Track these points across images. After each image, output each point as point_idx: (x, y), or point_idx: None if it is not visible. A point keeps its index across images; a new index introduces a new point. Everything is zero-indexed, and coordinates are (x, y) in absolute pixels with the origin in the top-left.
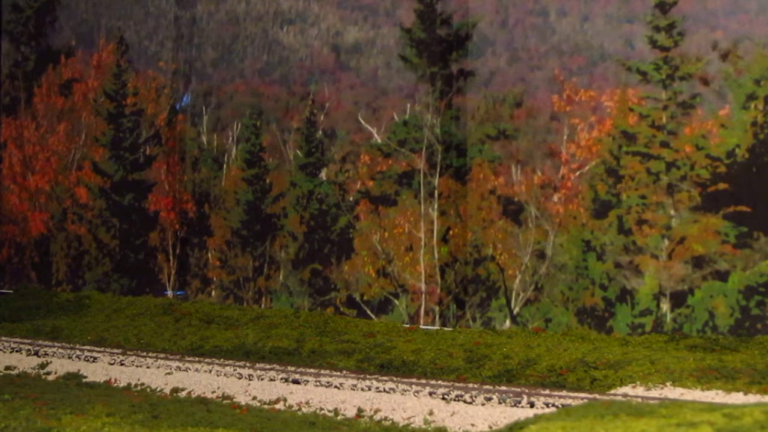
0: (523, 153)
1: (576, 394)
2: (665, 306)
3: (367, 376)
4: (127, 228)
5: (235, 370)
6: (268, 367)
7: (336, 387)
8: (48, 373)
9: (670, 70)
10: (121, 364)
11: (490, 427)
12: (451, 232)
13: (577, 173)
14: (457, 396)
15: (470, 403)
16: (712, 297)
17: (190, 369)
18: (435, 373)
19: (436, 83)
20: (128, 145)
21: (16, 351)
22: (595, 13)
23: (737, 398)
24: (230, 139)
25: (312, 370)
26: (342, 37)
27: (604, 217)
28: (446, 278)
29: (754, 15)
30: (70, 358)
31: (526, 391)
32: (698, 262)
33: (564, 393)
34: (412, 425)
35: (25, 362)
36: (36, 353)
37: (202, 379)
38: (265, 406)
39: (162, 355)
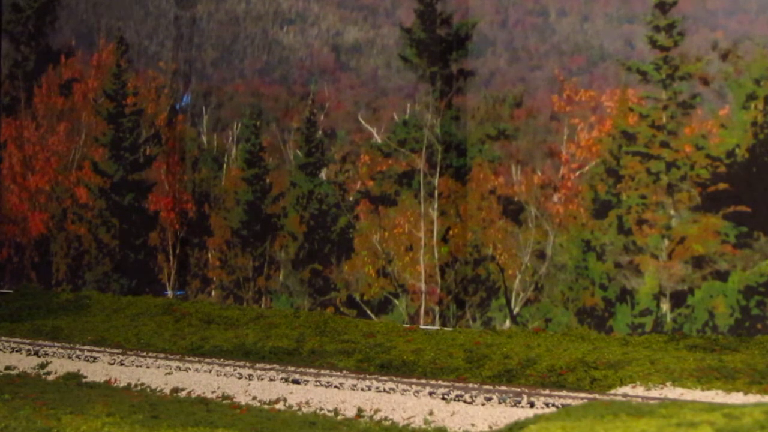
0: (523, 153)
1: (576, 394)
2: (665, 306)
3: (367, 376)
4: (127, 228)
5: (235, 370)
6: (268, 367)
7: (336, 387)
8: (48, 373)
9: (670, 70)
10: (121, 364)
11: (490, 427)
12: (451, 232)
13: (577, 173)
14: (457, 396)
15: (470, 403)
16: (712, 297)
17: (190, 369)
18: (435, 373)
19: (436, 83)
20: (128, 145)
21: (16, 351)
22: (595, 13)
23: (737, 398)
24: (230, 139)
25: (312, 370)
26: (342, 37)
27: (604, 217)
28: (446, 278)
29: (754, 15)
30: (70, 358)
31: (526, 391)
32: (698, 262)
33: (564, 393)
34: (412, 425)
35: (25, 362)
36: (36, 353)
37: (202, 379)
38: (265, 406)
39: (162, 355)
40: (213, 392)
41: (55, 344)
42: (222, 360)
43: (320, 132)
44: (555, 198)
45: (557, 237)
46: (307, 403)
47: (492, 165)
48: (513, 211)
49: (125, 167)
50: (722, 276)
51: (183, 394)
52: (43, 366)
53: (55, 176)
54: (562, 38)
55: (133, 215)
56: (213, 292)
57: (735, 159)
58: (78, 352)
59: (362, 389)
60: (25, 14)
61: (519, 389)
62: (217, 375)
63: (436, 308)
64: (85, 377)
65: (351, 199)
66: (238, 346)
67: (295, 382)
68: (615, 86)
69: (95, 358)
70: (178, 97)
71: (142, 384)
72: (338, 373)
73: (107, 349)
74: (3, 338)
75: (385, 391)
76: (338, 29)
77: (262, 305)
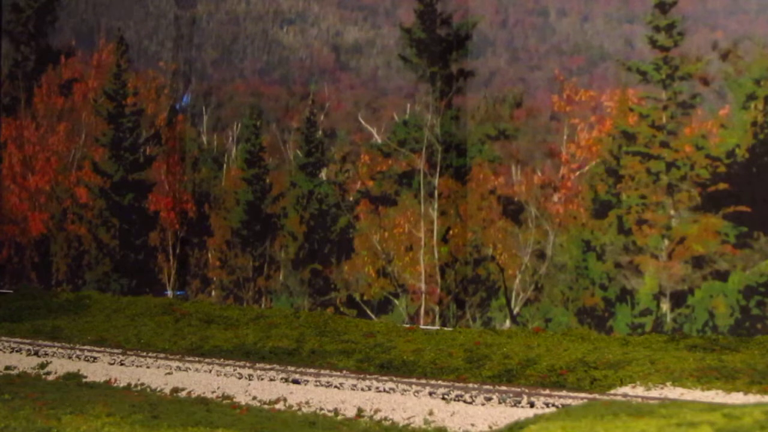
0: (523, 153)
1: (576, 394)
2: (665, 306)
3: (367, 376)
4: (127, 228)
5: (235, 370)
6: (268, 367)
7: (336, 387)
8: (48, 373)
9: (670, 70)
10: (121, 364)
11: (490, 427)
12: (451, 232)
13: (577, 173)
14: (457, 396)
15: (470, 403)
16: (712, 297)
17: (190, 369)
18: (435, 373)
19: (436, 83)
20: (128, 145)
21: (16, 351)
22: (595, 13)
23: (737, 398)
24: (230, 139)
25: (312, 370)
26: (342, 37)
27: (604, 217)
28: (446, 278)
29: (754, 15)
30: (70, 358)
31: (526, 391)
32: (698, 262)
33: (564, 393)
34: (412, 425)
35: (25, 362)
36: (36, 353)
37: (202, 379)
38: (265, 406)
39: (162, 355)
40: (213, 392)
41: (55, 344)
42: (222, 360)
43: (320, 132)
44: (555, 198)
45: (557, 237)
46: (307, 403)
47: (492, 165)
48: (513, 211)
49: (125, 167)
50: (722, 276)
51: (183, 394)
52: (43, 366)
53: (55, 176)
54: (562, 38)
55: (133, 215)
56: (213, 292)
57: (735, 159)
58: (78, 352)
59: (362, 389)
60: (25, 14)
61: (519, 389)
62: (217, 375)
63: (436, 308)
64: (85, 377)
65: (351, 199)
66: (238, 346)
67: (295, 382)
68: (615, 86)
69: (95, 358)
70: (178, 97)
71: (142, 384)
72: (338, 373)
73: (107, 349)
74: (3, 338)
75: (385, 391)
76: (338, 29)
77: (262, 305)
